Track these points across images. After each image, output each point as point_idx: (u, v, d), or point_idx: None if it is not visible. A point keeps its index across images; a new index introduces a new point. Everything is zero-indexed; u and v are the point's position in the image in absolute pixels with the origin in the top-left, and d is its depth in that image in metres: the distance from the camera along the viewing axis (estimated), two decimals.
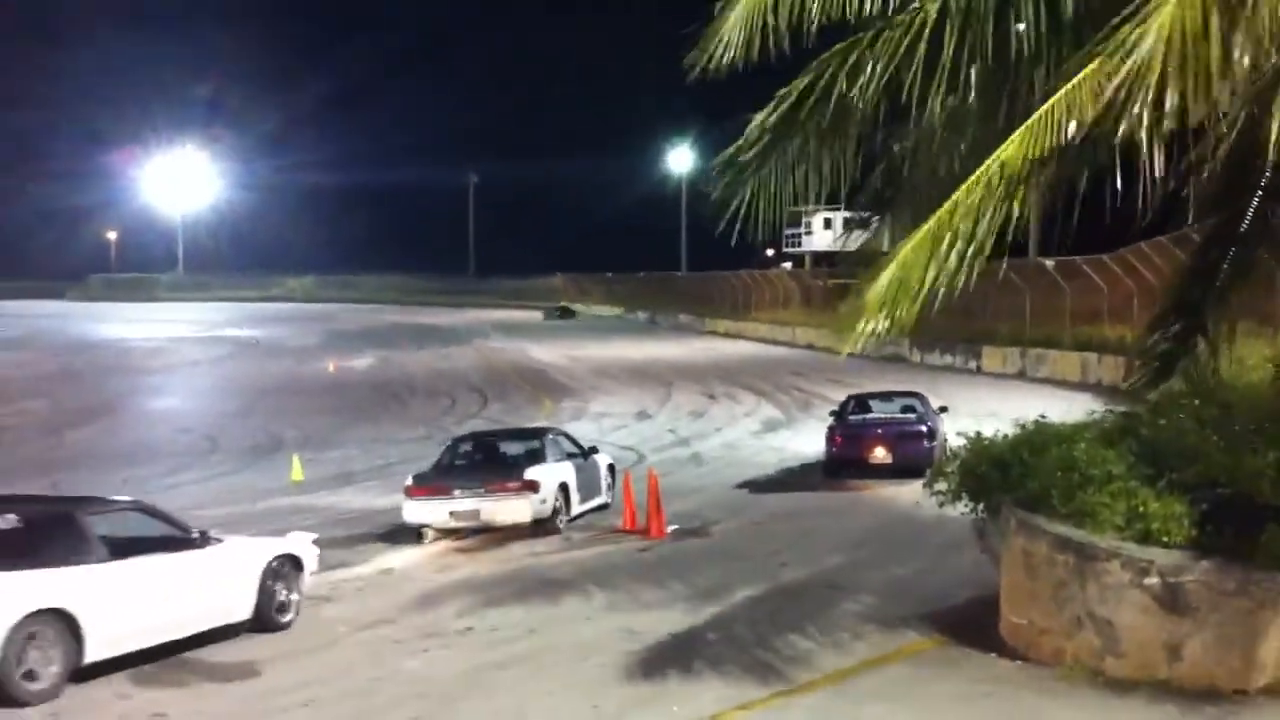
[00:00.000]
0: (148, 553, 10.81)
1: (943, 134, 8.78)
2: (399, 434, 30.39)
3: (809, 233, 73.30)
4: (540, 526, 16.82)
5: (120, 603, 10.26)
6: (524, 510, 16.56)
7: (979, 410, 25.19)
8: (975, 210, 6.81)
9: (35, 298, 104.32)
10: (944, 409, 22.01)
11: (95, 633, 9.87)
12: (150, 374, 49.09)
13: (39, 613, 9.53)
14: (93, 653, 9.91)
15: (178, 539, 11.28)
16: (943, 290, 6.99)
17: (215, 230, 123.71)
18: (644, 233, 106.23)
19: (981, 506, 10.44)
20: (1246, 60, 6.30)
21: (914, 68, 7.89)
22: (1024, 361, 38.01)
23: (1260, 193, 9.02)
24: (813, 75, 8.29)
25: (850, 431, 20.75)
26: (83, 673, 9.89)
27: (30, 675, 9.46)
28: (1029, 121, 6.77)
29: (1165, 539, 8.58)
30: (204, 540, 11.40)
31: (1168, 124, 6.18)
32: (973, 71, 7.94)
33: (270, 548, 12.19)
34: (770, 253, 77.97)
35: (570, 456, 18.27)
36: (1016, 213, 6.90)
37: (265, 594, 11.70)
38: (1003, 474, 10.03)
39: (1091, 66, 6.55)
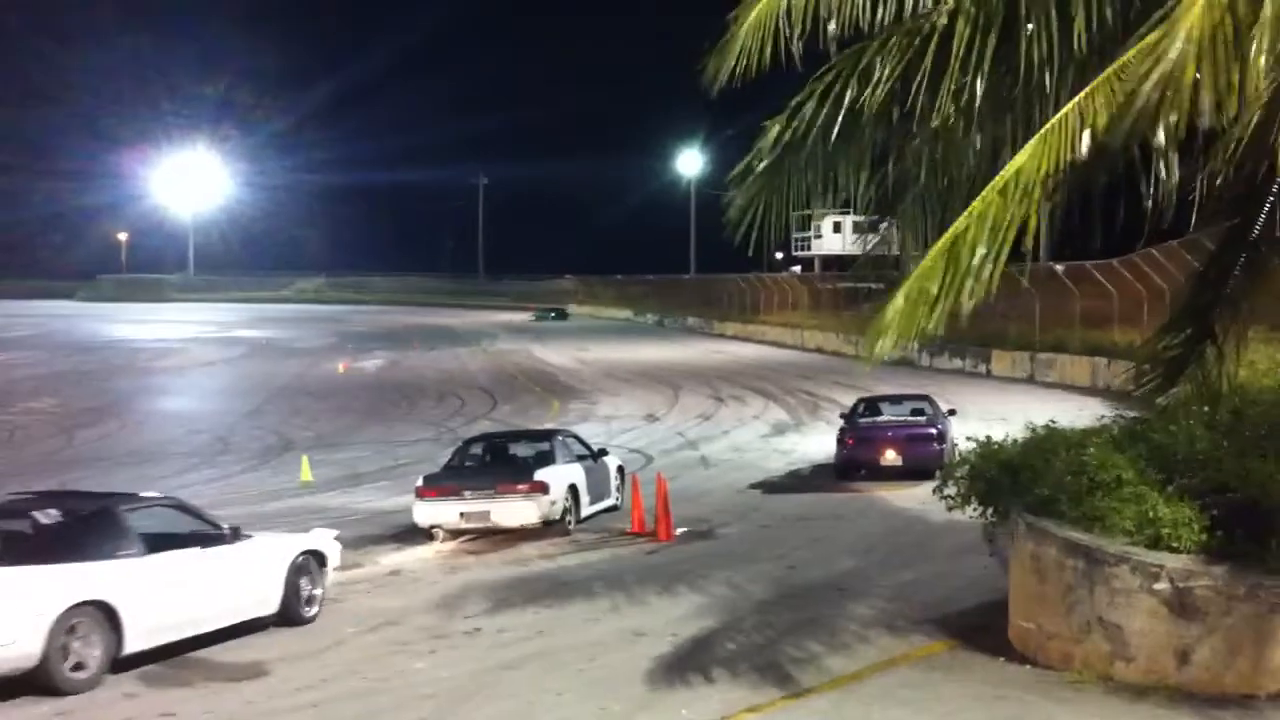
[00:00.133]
0: (182, 547, 11.13)
1: (952, 137, 8.79)
2: (408, 435, 30.44)
3: (818, 236, 73.33)
4: (549, 528, 16.85)
5: (158, 595, 10.58)
6: (534, 512, 16.59)
7: (988, 414, 25.19)
8: (993, 219, 6.81)
9: (45, 298, 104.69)
10: (953, 412, 22.15)
11: (134, 624, 10.20)
12: (161, 374, 49.25)
13: (81, 604, 9.84)
14: (132, 644, 10.23)
15: (210, 534, 11.56)
16: (974, 299, 7.00)
17: (226, 231, 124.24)
18: (653, 235, 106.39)
19: (991, 511, 10.43)
20: (1263, 62, 6.30)
21: (923, 71, 7.90)
22: (1033, 365, 37.95)
23: (1272, 198, 9.01)
24: (824, 80, 8.31)
25: (861, 434, 20.89)
26: None
27: (74, 665, 9.77)
28: (1043, 130, 6.77)
29: (1175, 544, 8.56)
30: (235, 535, 11.69)
31: (1207, 122, 6.17)
32: (982, 75, 7.94)
33: (296, 543, 12.46)
34: (779, 256, 78.00)
35: (580, 458, 18.30)
36: (1034, 221, 6.90)
37: (291, 589, 11.98)
38: (1012, 478, 10.02)
39: (1108, 72, 6.55)
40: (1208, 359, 9.66)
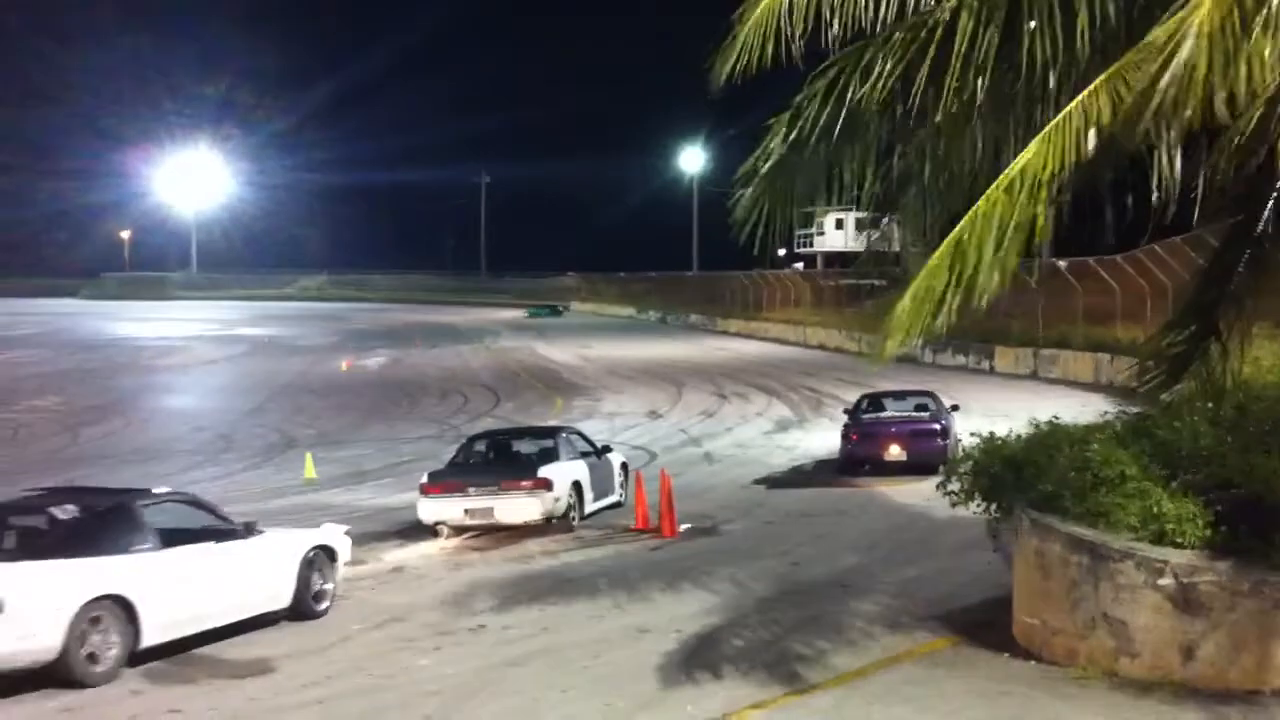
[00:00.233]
0: (196, 542, 11.27)
1: (954, 134, 8.79)
2: (412, 432, 30.48)
3: (821, 233, 73.21)
4: (554, 525, 16.88)
5: (174, 589, 10.70)
6: (537, 508, 16.62)
7: (991, 410, 25.18)
8: (999, 218, 6.82)
9: (49, 296, 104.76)
10: (955, 407, 22.23)
11: (151, 618, 10.34)
12: (164, 372, 49.31)
13: (100, 598, 9.97)
14: (149, 637, 10.35)
15: (224, 529, 11.71)
16: (988, 296, 7.01)
17: (228, 229, 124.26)
18: (655, 233, 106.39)
19: (995, 507, 10.43)
20: (1268, 54, 6.30)
21: (925, 67, 7.90)
22: (1036, 362, 37.92)
23: (1276, 193, 9.00)
24: (826, 77, 8.32)
25: (866, 429, 21.05)
26: None
27: (92, 658, 9.89)
28: (1047, 129, 6.77)
29: (1179, 540, 8.56)
30: (248, 530, 11.83)
31: (1219, 118, 6.18)
32: (985, 71, 7.94)
33: (307, 538, 12.59)
34: (782, 253, 77.82)
35: (584, 455, 18.33)
36: (1040, 218, 6.90)
37: (303, 583, 12.12)
38: (1016, 474, 10.03)
39: (1112, 70, 6.55)
40: (1212, 356, 9.66)
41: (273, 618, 11.89)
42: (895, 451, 20.37)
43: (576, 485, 17.42)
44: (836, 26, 8.28)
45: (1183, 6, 6.24)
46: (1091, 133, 6.52)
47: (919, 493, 17.34)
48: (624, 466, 19.64)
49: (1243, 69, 6.12)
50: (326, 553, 12.57)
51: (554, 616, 11.90)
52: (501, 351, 55.41)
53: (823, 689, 8.98)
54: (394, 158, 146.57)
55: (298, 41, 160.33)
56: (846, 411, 22.48)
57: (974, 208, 6.97)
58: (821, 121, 8.45)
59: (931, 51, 7.88)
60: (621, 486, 19.14)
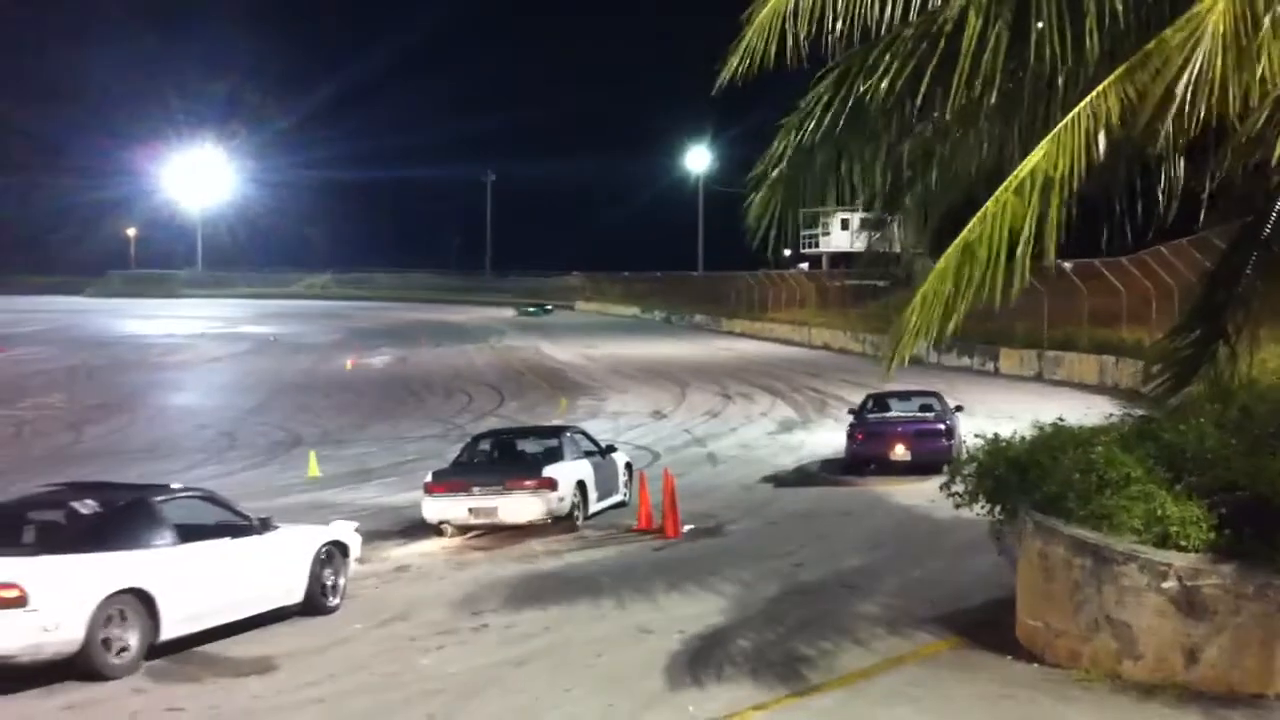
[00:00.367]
0: (213, 538, 11.41)
1: (958, 133, 8.78)
2: (416, 431, 30.49)
3: (826, 233, 73.14)
4: (557, 524, 16.87)
5: (192, 583, 10.85)
6: (541, 508, 16.63)
7: (996, 412, 25.20)
8: (1009, 219, 6.80)
9: (55, 294, 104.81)
10: (959, 408, 22.30)
11: (170, 611, 10.48)
12: (169, 370, 49.33)
13: (120, 592, 10.13)
14: (167, 630, 10.50)
15: (239, 525, 11.85)
16: (999, 297, 7.00)
17: (234, 227, 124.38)
18: (660, 232, 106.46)
19: (998, 508, 10.41)
20: (1276, 53, 6.28)
21: (931, 65, 7.89)
22: (1041, 363, 37.90)
23: None
24: (832, 78, 8.31)
25: (871, 429, 21.15)
26: None
27: (113, 650, 10.03)
28: (1055, 130, 6.75)
29: (1184, 542, 8.54)
30: (264, 526, 11.99)
31: (1233, 117, 6.17)
32: (994, 71, 7.92)
33: (319, 535, 12.74)
34: (787, 253, 77.80)
35: (588, 455, 18.33)
36: (1050, 219, 6.89)
37: (315, 579, 12.28)
38: (1020, 476, 10.01)
39: (1120, 71, 6.53)
40: (1220, 358, 9.63)
41: (286, 613, 11.99)
42: (900, 451, 20.47)
43: (581, 485, 17.42)
44: (841, 28, 8.27)
45: (1190, 4, 6.22)
46: (1102, 134, 6.50)
47: (923, 493, 17.33)
48: (628, 466, 19.64)
49: (1256, 69, 6.10)
50: (339, 549, 12.73)
51: (557, 616, 11.89)
52: (506, 350, 55.41)
53: (825, 690, 8.97)
54: (397, 156, 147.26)
55: (302, 40, 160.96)
56: (851, 411, 22.56)
57: (983, 209, 6.95)
58: (828, 122, 8.45)
59: (940, 50, 7.87)
60: (626, 486, 19.14)
